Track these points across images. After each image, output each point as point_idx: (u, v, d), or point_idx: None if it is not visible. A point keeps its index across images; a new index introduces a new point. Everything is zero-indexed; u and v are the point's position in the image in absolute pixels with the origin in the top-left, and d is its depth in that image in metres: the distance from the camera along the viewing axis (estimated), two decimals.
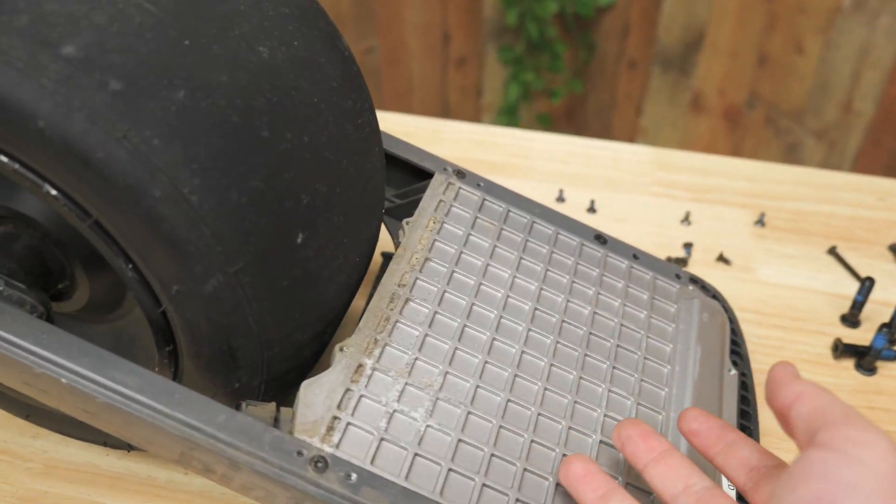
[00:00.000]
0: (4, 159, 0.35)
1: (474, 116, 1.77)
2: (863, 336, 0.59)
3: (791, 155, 1.48)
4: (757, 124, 1.49)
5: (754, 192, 0.71)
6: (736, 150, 1.55)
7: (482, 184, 0.55)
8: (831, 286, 0.63)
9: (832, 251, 0.66)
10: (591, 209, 0.69)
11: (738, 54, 1.45)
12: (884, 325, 0.55)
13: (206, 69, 0.35)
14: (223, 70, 0.36)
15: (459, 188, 0.54)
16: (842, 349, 0.57)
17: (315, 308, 0.41)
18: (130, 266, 0.37)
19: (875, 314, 0.61)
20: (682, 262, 0.64)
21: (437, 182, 0.54)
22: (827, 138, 1.41)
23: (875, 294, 0.61)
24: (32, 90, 0.32)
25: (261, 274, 0.37)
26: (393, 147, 0.55)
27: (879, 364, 0.57)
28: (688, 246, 0.65)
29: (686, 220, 0.68)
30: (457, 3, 1.58)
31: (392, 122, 0.77)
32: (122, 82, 0.33)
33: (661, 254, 0.65)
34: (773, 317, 0.61)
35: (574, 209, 0.69)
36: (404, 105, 1.70)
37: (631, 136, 1.70)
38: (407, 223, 0.50)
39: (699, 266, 0.64)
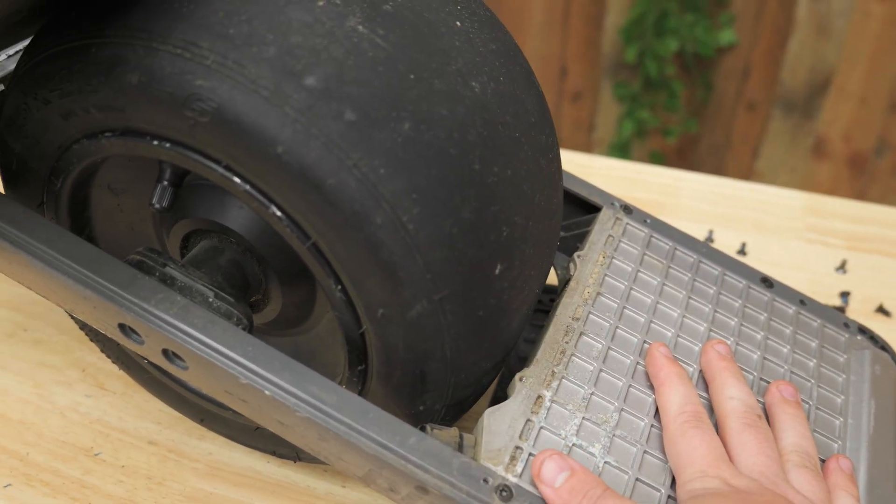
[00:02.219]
0: (237, 180, 0.37)
1: (585, 150, 1.77)
2: None
3: None
4: (885, 172, 1.44)
5: None
6: (860, 198, 1.50)
7: (649, 220, 0.55)
8: None
9: None
10: (742, 251, 0.68)
11: (868, 99, 1.41)
12: None
13: (429, 103, 0.37)
14: (443, 104, 0.37)
15: (627, 224, 0.54)
16: None
17: (501, 337, 0.42)
18: (339, 287, 0.38)
19: None
20: (840, 311, 0.63)
21: (605, 216, 0.54)
22: None
23: None
24: (276, 118, 0.34)
25: (462, 302, 0.38)
26: (566, 182, 0.56)
27: None
28: (845, 295, 0.64)
29: (842, 268, 0.67)
30: (577, 36, 1.59)
31: None
32: (357, 113, 0.35)
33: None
34: None
35: (724, 251, 0.68)
36: None
37: (746, 178, 1.67)
38: (578, 256, 0.51)
39: (857, 316, 0.63)
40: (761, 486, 0.40)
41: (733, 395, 0.44)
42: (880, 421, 0.48)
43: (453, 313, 0.38)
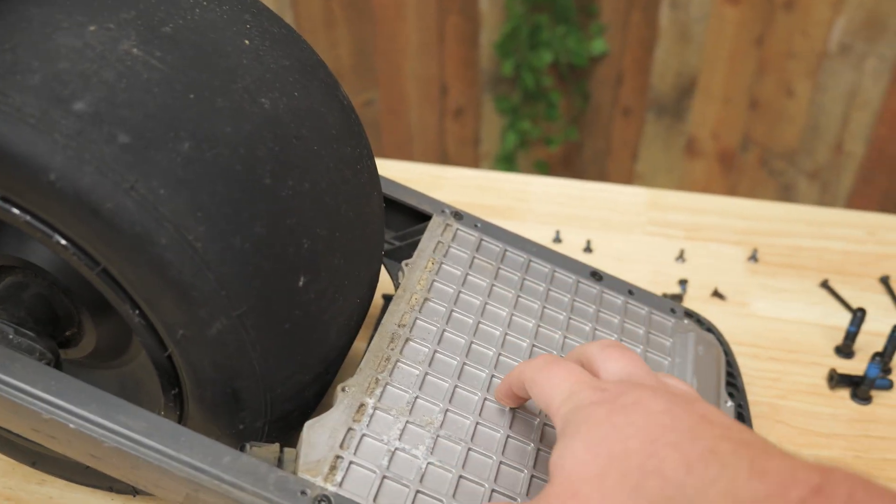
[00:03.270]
0: (16, 211, 0.36)
1: (473, 164, 1.80)
2: (857, 366, 0.60)
3: (785, 195, 1.50)
4: (751, 166, 1.51)
5: (748, 229, 0.73)
6: (731, 193, 1.57)
7: (479, 224, 0.56)
8: (825, 318, 0.64)
9: (825, 284, 0.67)
10: (588, 249, 0.70)
11: (730, 99, 1.48)
12: (877, 355, 0.56)
13: (210, 121, 0.37)
14: (227, 122, 0.38)
15: (457, 229, 0.55)
16: (837, 379, 0.58)
17: (316, 349, 0.42)
18: (137, 312, 0.38)
19: (868, 345, 0.61)
20: (678, 298, 0.65)
21: (435, 224, 0.55)
22: (820, 179, 1.43)
23: (867, 325, 0.62)
24: (45, 145, 0.34)
25: (264, 317, 0.39)
26: (392, 191, 0.57)
27: (874, 393, 0.58)
28: (683, 282, 0.67)
29: (681, 257, 0.69)
30: (454, 55, 1.62)
31: (395, 170, 0.78)
32: (130, 135, 0.35)
33: (658, 291, 0.66)
34: (769, 349, 0.62)
35: (571, 250, 0.70)
36: (405, 154, 1.73)
37: (627, 182, 1.73)
38: (406, 264, 0.52)
39: (695, 302, 0.65)
40: (632, 383, 0.37)
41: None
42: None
43: (256, 329, 0.38)
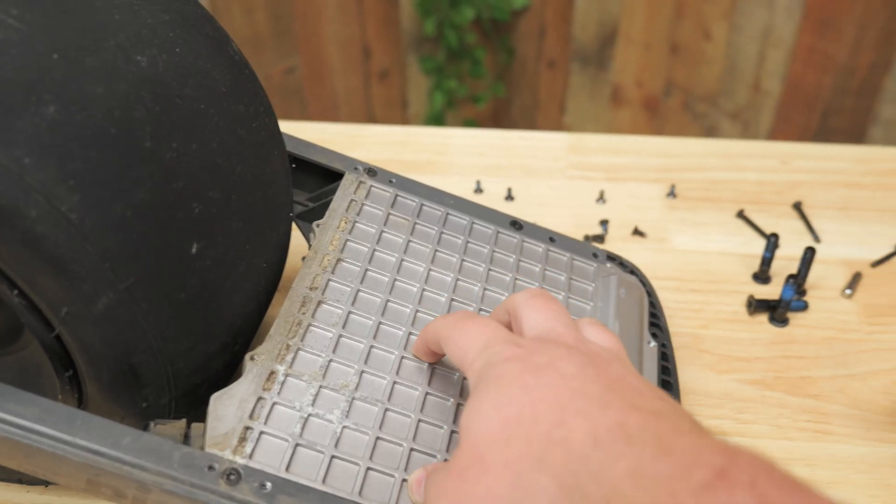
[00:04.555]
0: None
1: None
2: (774, 291, 0.61)
3: (709, 137, 1.52)
4: (675, 111, 1.52)
5: (665, 166, 0.73)
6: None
7: (394, 180, 0.55)
8: (742, 247, 0.65)
9: (741, 214, 0.68)
10: (509, 197, 0.69)
11: (651, 45, 1.48)
12: (791, 277, 0.57)
13: (78, 82, 0.34)
14: (98, 82, 0.35)
15: (371, 186, 0.54)
16: (755, 305, 0.59)
17: (219, 318, 0.41)
18: (16, 292, 0.35)
19: (784, 269, 0.62)
20: (600, 238, 0.65)
21: (347, 182, 0.53)
22: (741, 119, 1.45)
23: (783, 250, 0.63)
24: None
25: (155, 288, 0.36)
26: (301, 150, 0.54)
27: (791, 315, 0.59)
28: (604, 223, 0.66)
29: (601, 198, 0.69)
30: (375, 16, 1.59)
31: (311, 131, 0.76)
32: None
33: (580, 233, 0.65)
34: (690, 282, 0.62)
35: (492, 199, 0.69)
36: (331, 121, 1.69)
37: None
38: (318, 225, 0.50)
39: (616, 241, 0.65)
40: (549, 341, 0.35)
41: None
42: (623, 340, 0.50)
43: (148, 301, 0.36)
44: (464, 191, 0.70)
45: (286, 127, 0.55)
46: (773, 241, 0.60)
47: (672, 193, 0.70)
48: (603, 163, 0.73)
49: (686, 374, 0.55)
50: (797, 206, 0.68)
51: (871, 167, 0.73)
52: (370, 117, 1.72)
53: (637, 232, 0.66)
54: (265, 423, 0.39)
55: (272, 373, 0.41)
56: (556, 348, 0.34)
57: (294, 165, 0.54)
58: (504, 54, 1.65)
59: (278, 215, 0.46)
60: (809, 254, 0.58)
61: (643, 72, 1.51)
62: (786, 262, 0.63)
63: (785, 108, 1.39)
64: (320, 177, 0.55)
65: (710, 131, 1.50)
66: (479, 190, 0.70)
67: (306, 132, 0.74)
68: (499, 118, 1.78)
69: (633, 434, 0.29)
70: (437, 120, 1.69)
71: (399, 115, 1.75)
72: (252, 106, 0.44)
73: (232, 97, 0.42)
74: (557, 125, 1.71)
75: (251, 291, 0.43)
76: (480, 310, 0.49)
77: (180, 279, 0.37)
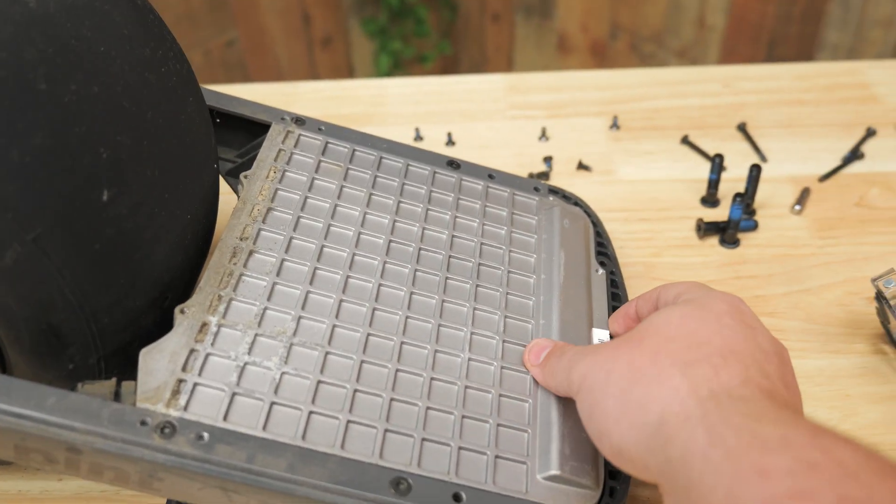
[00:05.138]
0: None
1: None
2: (723, 213, 0.60)
3: None
4: (622, 54, 1.51)
5: (607, 99, 0.72)
6: None
7: (323, 128, 0.53)
8: (689, 173, 0.64)
9: (685, 140, 0.67)
10: (450, 142, 0.68)
11: None
12: (737, 195, 0.56)
13: None
14: None
15: (300, 135, 0.52)
16: (704, 228, 0.58)
17: (142, 271, 0.39)
18: None
19: (732, 191, 0.61)
20: (545, 175, 0.64)
21: (274, 132, 0.51)
22: (688, 56, 1.45)
23: (729, 172, 0.63)
24: None
25: (65, 238, 0.35)
26: (224, 104, 0.52)
27: (741, 236, 0.58)
28: (548, 160, 0.65)
29: (543, 136, 0.68)
30: None
31: (245, 92, 0.73)
32: None
33: (524, 172, 0.64)
34: (639, 211, 0.61)
35: (433, 145, 0.68)
36: None
37: None
38: (245, 177, 0.48)
39: (562, 177, 0.64)
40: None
41: None
42: (569, 269, 0.49)
43: (58, 252, 0.34)
44: (403, 139, 0.68)
45: (213, 89, 0.53)
46: (717, 161, 0.59)
47: (615, 125, 0.69)
48: (543, 101, 0.72)
49: None
50: (741, 128, 0.68)
51: (812, 83, 0.72)
52: None
53: (582, 166, 0.65)
54: (199, 374, 0.38)
55: (204, 324, 0.40)
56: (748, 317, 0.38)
57: (218, 121, 0.52)
58: (447, 11, 1.62)
59: (200, 165, 0.44)
60: (755, 171, 0.58)
61: (588, 17, 1.50)
62: (733, 183, 0.62)
63: (731, 41, 1.38)
64: (248, 132, 0.53)
65: (657, 63, 1.49)
66: (418, 137, 0.68)
67: (237, 92, 0.72)
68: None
69: (755, 419, 0.31)
70: None
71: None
72: (160, 50, 0.42)
73: (136, 40, 0.40)
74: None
75: (176, 244, 0.41)
76: (420, 249, 0.48)
77: (93, 228, 0.36)
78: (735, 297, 0.39)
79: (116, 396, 0.37)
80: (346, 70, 1.70)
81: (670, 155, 0.66)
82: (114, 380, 0.38)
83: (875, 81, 0.72)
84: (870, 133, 0.66)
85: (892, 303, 0.47)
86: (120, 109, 0.37)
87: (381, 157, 0.53)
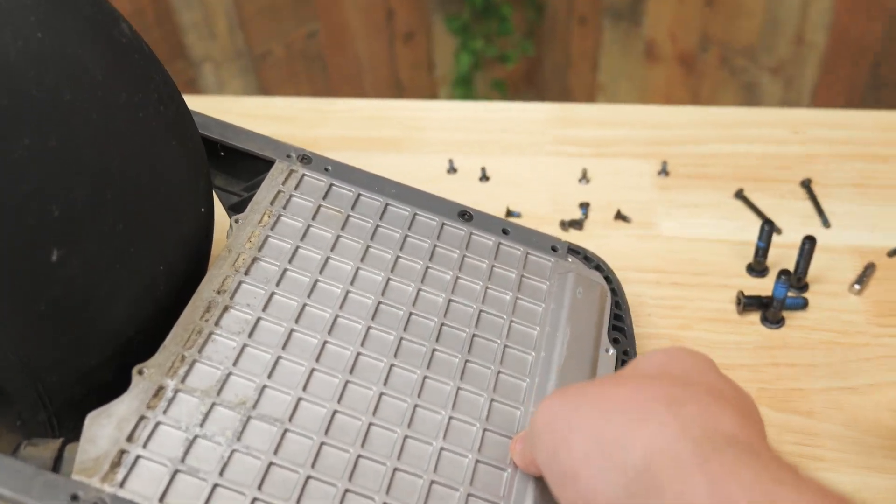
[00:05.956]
0: None
1: (429, 91, 1.71)
2: (769, 285, 0.54)
3: (749, 94, 1.42)
4: (712, 67, 1.42)
5: (658, 139, 0.66)
6: (694, 96, 1.48)
7: (330, 168, 0.50)
8: (738, 233, 0.58)
9: (739, 194, 0.61)
10: (484, 177, 0.64)
11: None
12: (783, 272, 0.50)
13: None
14: None
15: (304, 175, 0.49)
16: (744, 302, 0.52)
17: (95, 328, 0.37)
18: None
19: (785, 258, 0.55)
20: (578, 224, 0.59)
21: (276, 171, 0.49)
22: (783, 74, 1.34)
23: (786, 237, 0.56)
24: None
25: (7, 299, 0.33)
26: (230, 138, 0.50)
27: (788, 315, 0.52)
28: (584, 206, 0.60)
29: (584, 178, 0.63)
30: None
31: (275, 107, 0.71)
32: None
33: (556, 218, 0.60)
34: (674, 274, 0.56)
35: (465, 178, 0.64)
36: (355, 88, 1.64)
37: (590, 94, 1.64)
38: (237, 220, 0.46)
39: (597, 227, 0.59)
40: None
41: None
42: (574, 347, 0.45)
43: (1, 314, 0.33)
44: (436, 170, 0.65)
45: (239, 104, 0.51)
46: (767, 229, 0.53)
47: (664, 171, 0.63)
48: (589, 137, 0.67)
49: None
50: (805, 184, 0.61)
51: None
52: (395, 82, 1.67)
53: (620, 216, 0.60)
54: (144, 445, 0.36)
55: (160, 388, 0.38)
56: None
57: (223, 154, 0.50)
58: (532, 11, 1.57)
59: (181, 211, 0.42)
60: (809, 244, 0.51)
61: (677, 25, 1.41)
62: (788, 250, 0.56)
63: (830, 60, 1.28)
64: (258, 162, 0.51)
65: (749, 88, 1.40)
66: (452, 170, 0.65)
67: (269, 107, 0.70)
68: (530, 78, 1.70)
69: (733, 462, 0.27)
70: (464, 82, 1.62)
71: (426, 77, 1.69)
72: (139, 94, 0.39)
73: (110, 86, 0.38)
74: (590, 84, 1.62)
75: (142, 297, 0.39)
76: (411, 313, 0.44)
77: (38, 289, 0.34)
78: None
79: (57, 461, 0.36)
80: (426, 67, 1.67)
81: (720, 210, 0.60)
82: (58, 441, 0.36)
83: None
84: None
85: None
86: (79, 162, 0.35)
87: (388, 204, 0.49)
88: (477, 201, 0.62)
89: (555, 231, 0.59)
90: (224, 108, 0.72)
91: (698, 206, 0.60)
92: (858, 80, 1.28)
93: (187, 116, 0.44)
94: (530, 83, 1.69)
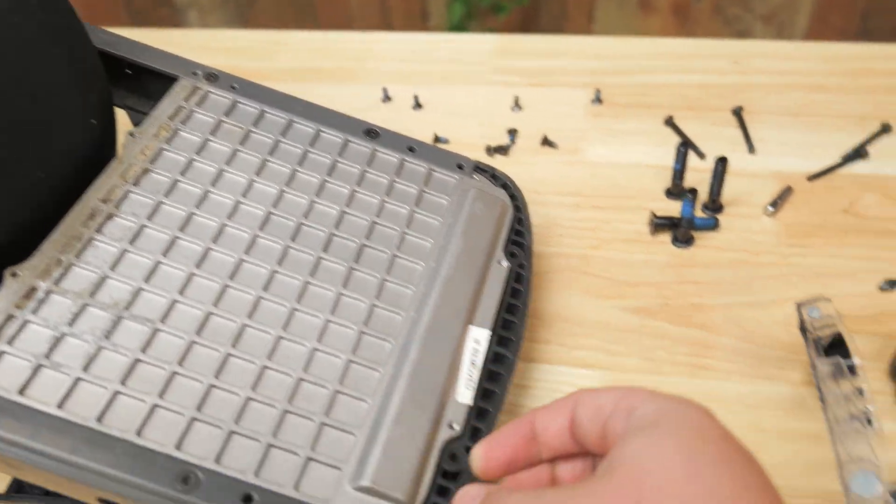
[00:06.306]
0: None
1: None
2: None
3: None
4: (706, 16, 1.39)
5: (598, 69, 0.65)
6: None
7: (237, 85, 0.50)
8: (664, 159, 0.58)
9: (668, 121, 0.60)
10: (417, 105, 0.63)
11: None
12: (690, 191, 0.49)
13: None
14: None
15: (208, 92, 0.49)
16: (655, 222, 0.52)
17: None
18: None
19: (706, 183, 0.54)
20: (504, 150, 0.59)
21: (180, 87, 0.49)
22: (775, 21, 1.31)
23: (710, 162, 0.55)
24: None
25: None
26: (135, 54, 0.50)
27: (700, 235, 0.52)
28: (512, 132, 0.60)
29: (516, 105, 0.62)
30: None
31: (228, 39, 0.71)
32: None
33: (484, 143, 0.59)
34: (594, 197, 0.55)
35: (399, 108, 0.63)
36: None
37: None
38: (132, 134, 0.46)
39: (524, 153, 0.59)
40: None
41: None
42: (463, 259, 0.45)
43: None
44: (371, 99, 0.64)
45: (190, 37, 0.51)
46: (682, 151, 0.52)
47: (597, 99, 0.62)
48: (530, 67, 0.66)
49: (563, 299, 0.50)
50: (736, 112, 0.60)
51: (839, 66, 0.63)
52: (389, 32, 1.65)
53: (547, 142, 0.59)
54: (10, 343, 0.37)
55: (32, 289, 0.38)
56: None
57: (129, 72, 0.50)
58: None
59: (63, 120, 0.42)
60: (720, 165, 0.51)
61: None
62: (705, 174, 0.55)
63: (822, 8, 1.24)
64: (168, 83, 0.51)
65: (742, 35, 1.37)
66: (386, 98, 0.64)
67: (220, 41, 0.70)
68: (525, 29, 1.67)
69: None
70: (457, 32, 1.61)
71: (419, 27, 1.67)
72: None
73: None
74: (587, 35, 1.59)
75: (17, 205, 0.40)
76: (302, 224, 0.44)
77: None
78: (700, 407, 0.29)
79: None
80: (420, 16, 1.66)
81: (651, 138, 0.59)
82: None
83: None
84: (884, 129, 0.57)
85: (815, 335, 0.40)
86: None
87: (292, 121, 0.49)
88: (406, 128, 0.61)
89: (480, 156, 0.59)
90: (174, 41, 0.72)
91: (629, 134, 0.60)
92: (849, 29, 1.25)
93: (76, 26, 0.44)
94: (525, 34, 1.67)
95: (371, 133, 0.50)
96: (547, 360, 0.47)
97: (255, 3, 1.44)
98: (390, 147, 0.50)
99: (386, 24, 1.63)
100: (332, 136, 0.49)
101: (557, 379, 0.46)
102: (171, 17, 1.40)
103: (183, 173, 0.45)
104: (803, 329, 0.41)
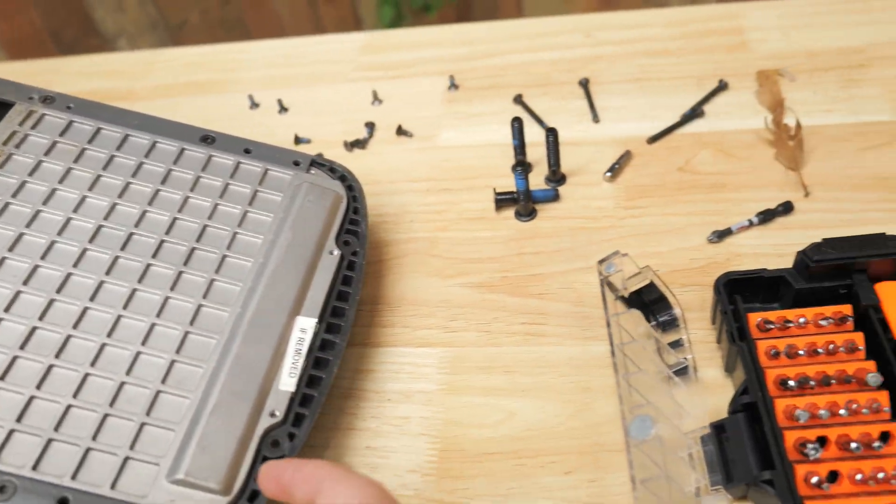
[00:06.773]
0: None
1: None
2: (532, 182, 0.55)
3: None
4: None
5: (457, 56, 0.67)
6: None
7: (73, 105, 0.52)
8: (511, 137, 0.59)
9: (517, 99, 0.61)
10: (282, 109, 0.65)
11: None
12: (518, 164, 0.50)
13: None
14: None
15: (43, 114, 0.51)
16: (497, 199, 0.53)
17: None
18: None
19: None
20: (362, 143, 0.60)
21: (14, 113, 0.51)
22: None
23: (561, 135, 0.56)
24: None
25: None
26: None
27: (543, 208, 0.53)
28: (370, 126, 0.61)
29: (376, 99, 0.64)
30: None
31: (105, 63, 0.73)
32: None
33: (343, 138, 0.61)
34: (444, 180, 0.57)
35: (266, 113, 0.65)
36: None
37: None
38: None
39: (381, 144, 0.61)
40: None
41: None
42: (291, 251, 0.46)
43: None
44: (239, 108, 0.66)
45: (70, 64, 0.52)
46: (516, 126, 0.54)
47: (453, 85, 0.64)
48: (389, 61, 0.67)
49: (408, 282, 0.51)
50: (583, 83, 0.61)
51: (682, 30, 0.64)
52: None
53: (401, 132, 0.61)
54: None
55: None
56: None
57: None
58: None
59: None
60: (551, 137, 0.52)
61: None
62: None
63: None
64: (6, 109, 0.53)
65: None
66: (254, 105, 0.66)
67: (98, 65, 0.72)
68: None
69: None
70: None
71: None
72: None
73: None
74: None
75: None
76: (132, 234, 0.46)
77: None
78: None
79: None
80: (353, 23, 1.67)
81: (500, 117, 0.61)
82: None
83: (752, 26, 0.63)
84: (721, 86, 0.58)
85: (624, 292, 0.41)
86: None
87: (127, 135, 0.51)
88: (271, 132, 0.63)
89: (340, 152, 0.60)
90: (53, 69, 0.74)
91: (480, 115, 0.61)
92: None
93: None
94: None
95: (207, 139, 0.52)
96: (392, 344, 0.48)
97: (185, 25, 1.46)
98: (226, 150, 0.51)
99: (319, 31, 1.65)
100: (167, 146, 0.51)
101: (400, 360, 0.47)
102: (101, 47, 1.42)
103: (15, 195, 0.46)
104: (602, 283, 0.42)
